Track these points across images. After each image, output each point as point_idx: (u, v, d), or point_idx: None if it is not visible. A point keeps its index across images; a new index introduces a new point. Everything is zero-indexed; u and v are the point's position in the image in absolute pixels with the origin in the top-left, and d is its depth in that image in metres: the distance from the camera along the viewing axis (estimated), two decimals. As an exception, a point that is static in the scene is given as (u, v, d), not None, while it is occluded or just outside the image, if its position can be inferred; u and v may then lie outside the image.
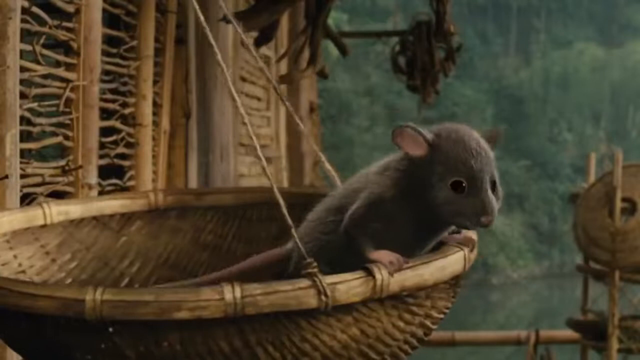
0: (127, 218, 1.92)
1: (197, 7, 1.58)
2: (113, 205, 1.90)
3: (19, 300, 1.39)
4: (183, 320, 1.34)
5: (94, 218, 1.87)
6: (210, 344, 1.37)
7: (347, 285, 1.38)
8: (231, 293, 1.34)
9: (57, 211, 1.82)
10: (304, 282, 1.36)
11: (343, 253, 1.54)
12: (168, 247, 1.94)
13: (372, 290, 1.39)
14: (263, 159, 1.50)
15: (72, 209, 1.84)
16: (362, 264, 1.43)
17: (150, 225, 1.93)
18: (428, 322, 1.50)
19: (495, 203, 1.48)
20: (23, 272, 1.77)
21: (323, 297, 1.35)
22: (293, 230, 1.46)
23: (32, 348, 1.49)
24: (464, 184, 1.48)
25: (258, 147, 1.50)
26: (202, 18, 1.57)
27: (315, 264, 1.37)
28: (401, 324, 1.46)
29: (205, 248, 1.94)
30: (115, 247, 1.90)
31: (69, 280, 1.83)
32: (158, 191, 1.95)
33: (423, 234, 1.57)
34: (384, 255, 1.46)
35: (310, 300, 1.35)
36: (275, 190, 1.48)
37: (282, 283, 1.36)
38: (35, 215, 1.81)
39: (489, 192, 1.48)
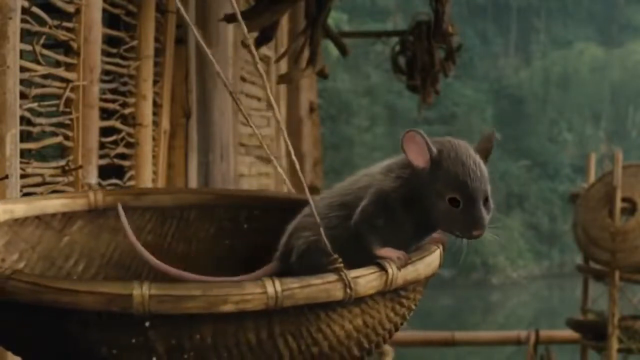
0: (68, 217, 1.91)
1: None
2: (55, 204, 1.89)
3: (58, 296, 1.37)
4: (222, 313, 1.37)
5: (37, 217, 1.86)
6: (240, 336, 1.41)
7: (366, 279, 1.48)
8: (272, 287, 1.39)
9: (3, 210, 1.79)
10: (332, 277, 1.45)
11: (346, 247, 1.61)
12: (110, 247, 1.95)
13: (384, 283, 1.50)
14: (298, 165, 1.59)
15: (17, 208, 1.82)
16: (362, 258, 1.54)
17: (91, 225, 1.93)
18: (407, 314, 1.61)
19: (486, 216, 1.63)
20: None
21: (348, 290, 1.45)
22: (322, 229, 1.57)
23: (45, 348, 1.47)
24: (460, 200, 1.62)
25: (292, 152, 1.59)
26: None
27: (340, 259, 1.48)
28: (392, 315, 1.56)
29: (146, 247, 1.91)
30: (59, 246, 1.89)
31: None
32: (97, 191, 1.95)
33: (419, 233, 1.70)
34: (391, 252, 1.58)
35: (337, 292, 1.44)
36: (309, 196, 1.59)
37: (313, 277, 1.44)
38: None
39: (482, 208, 1.62)
